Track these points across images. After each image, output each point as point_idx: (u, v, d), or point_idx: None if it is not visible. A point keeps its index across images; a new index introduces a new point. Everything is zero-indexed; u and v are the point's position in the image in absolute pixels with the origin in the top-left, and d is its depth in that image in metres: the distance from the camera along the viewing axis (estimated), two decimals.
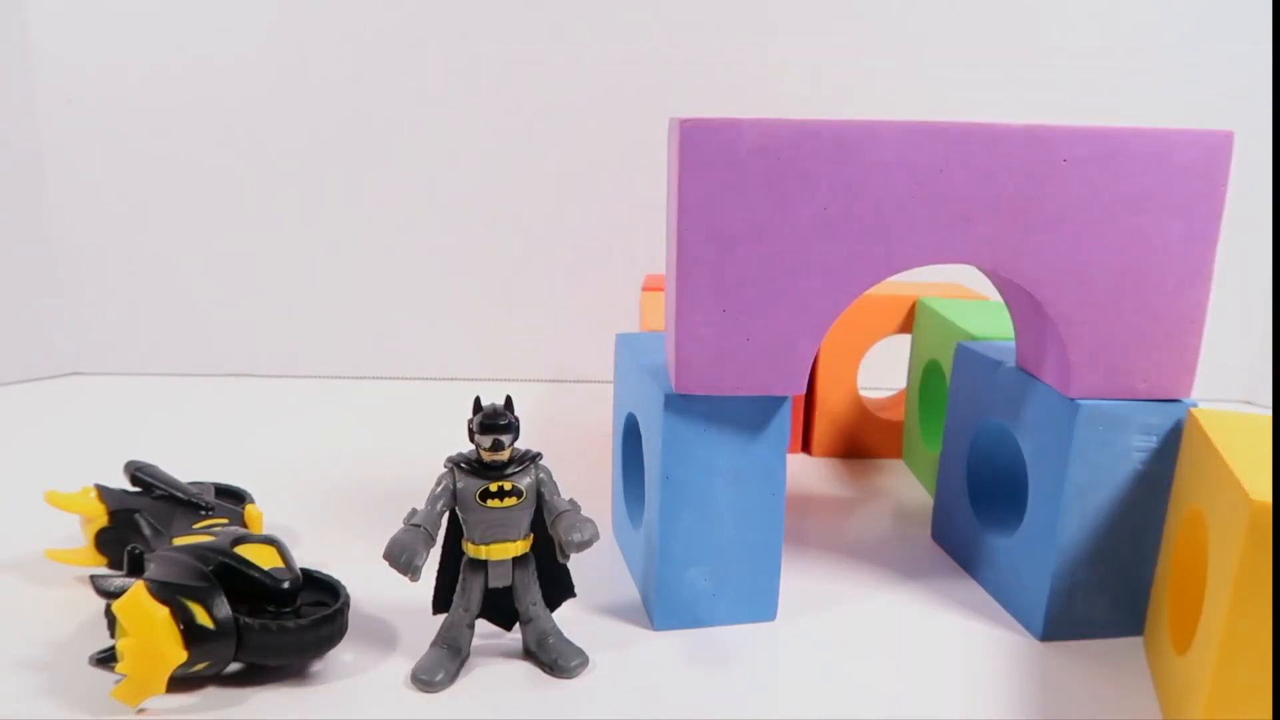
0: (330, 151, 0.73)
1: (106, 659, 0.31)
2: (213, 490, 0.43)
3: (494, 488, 0.32)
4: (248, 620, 0.32)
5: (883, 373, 0.64)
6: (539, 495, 0.33)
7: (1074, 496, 0.36)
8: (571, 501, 0.33)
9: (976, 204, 0.33)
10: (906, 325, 0.58)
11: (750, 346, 0.34)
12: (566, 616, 0.36)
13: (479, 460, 0.33)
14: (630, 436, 0.43)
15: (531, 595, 0.34)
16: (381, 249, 0.75)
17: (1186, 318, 0.35)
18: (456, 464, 0.33)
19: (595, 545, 0.33)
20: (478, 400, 0.33)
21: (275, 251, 0.75)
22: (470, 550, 0.33)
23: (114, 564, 0.40)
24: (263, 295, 0.76)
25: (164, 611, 0.30)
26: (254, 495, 0.44)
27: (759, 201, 0.33)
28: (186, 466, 0.46)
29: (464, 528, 0.33)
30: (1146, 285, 0.34)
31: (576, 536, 0.32)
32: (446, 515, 0.33)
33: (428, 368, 0.78)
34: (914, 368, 0.57)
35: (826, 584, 0.42)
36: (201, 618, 0.31)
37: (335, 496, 0.51)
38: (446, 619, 0.34)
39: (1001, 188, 0.33)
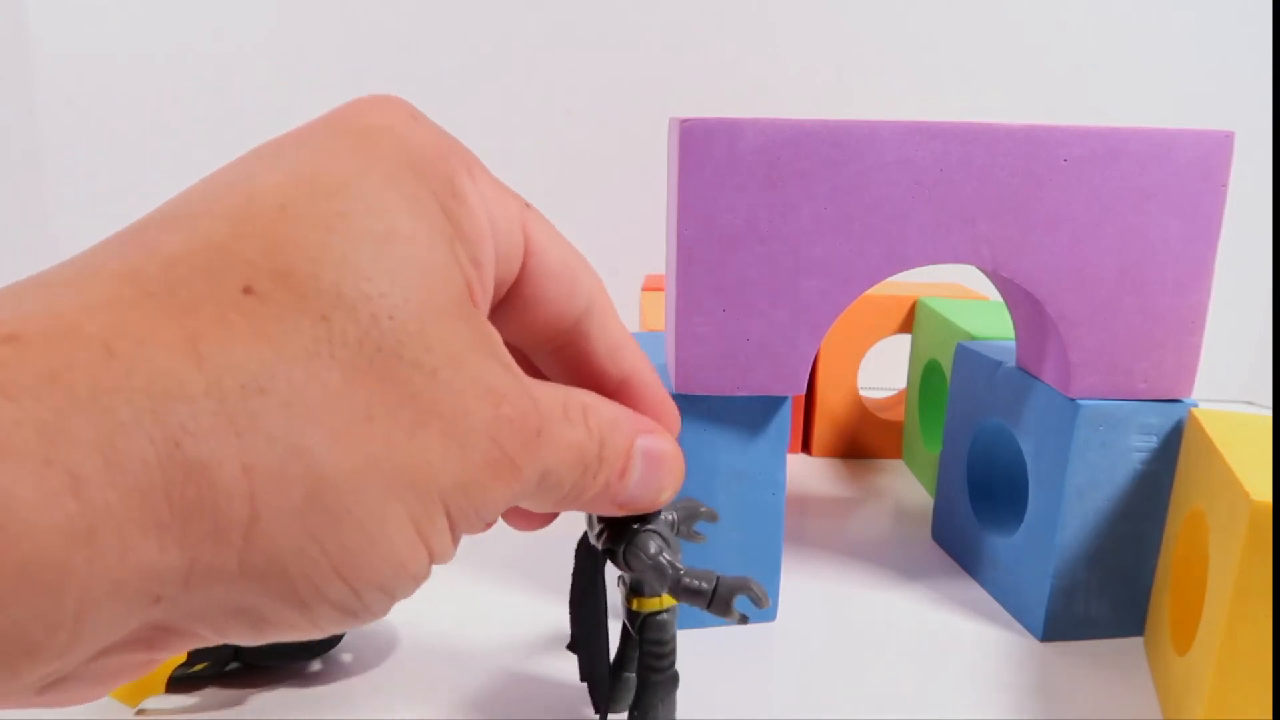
0: None
1: None
2: None
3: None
4: None
5: (883, 373, 0.64)
6: None
7: (1074, 496, 0.36)
8: None
9: (976, 204, 0.33)
10: (906, 325, 0.58)
11: (750, 346, 0.34)
12: (565, 617, 0.36)
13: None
14: None
15: None
16: None
17: (1187, 318, 0.35)
18: (644, 520, 0.26)
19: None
20: None
21: None
22: (665, 601, 0.29)
23: None
24: None
25: None
26: None
27: (759, 201, 0.33)
28: None
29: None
30: (1147, 285, 0.34)
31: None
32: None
33: None
34: (914, 368, 0.57)
35: (826, 584, 0.42)
36: None
37: None
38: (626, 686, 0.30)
39: (1001, 188, 0.33)
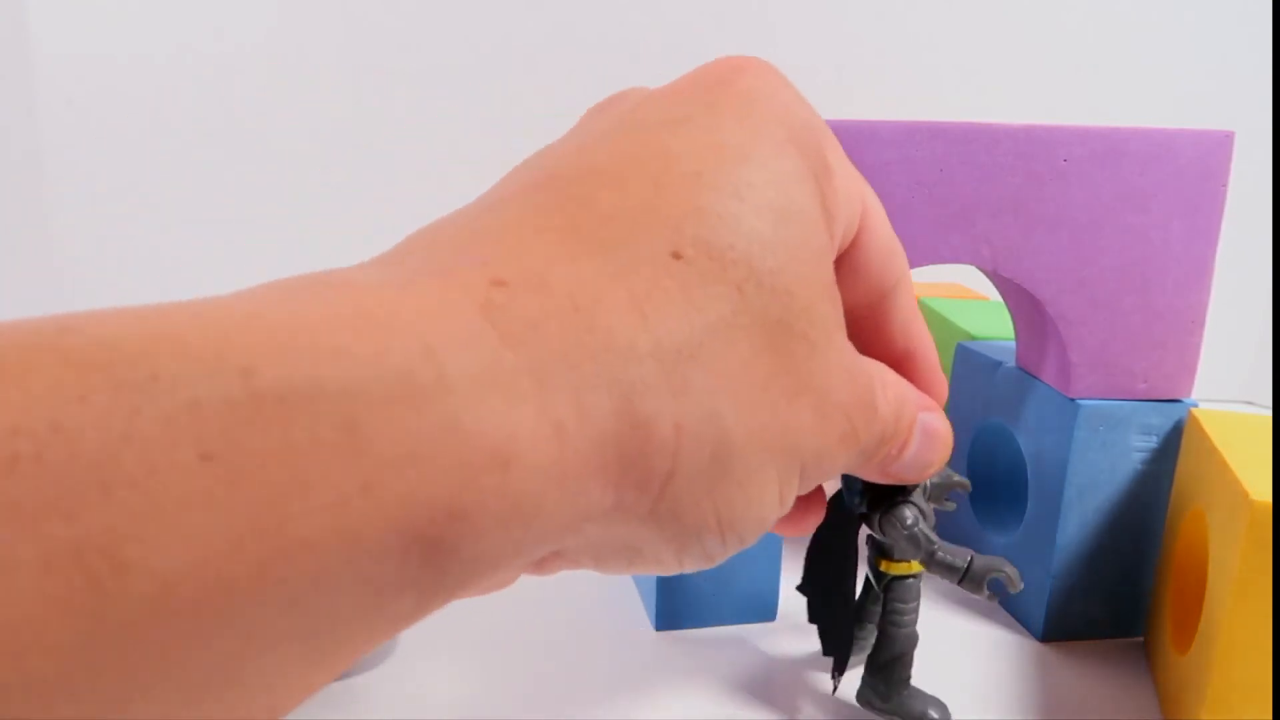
0: (335, 151, 0.73)
1: None
2: None
3: None
4: None
5: None
6: None
7: (1074, 496, 0.36)
8: None
9: (976, 204, 0.33)
10: None
11: None
12: (564, 617, 0.36)
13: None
14: None
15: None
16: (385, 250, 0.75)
17: (1187, 318, 0.35)
18: (904, 490, 0.28)
19: None
20: None
21: (280, 252, 0.75)
22: (913, 566, 0.30)
23: None
24: None
25: None
26: None
27: None
28: None
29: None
30: (1147, 285, 0.34)
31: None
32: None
33: None
34: None
35: None
36: None
37: None
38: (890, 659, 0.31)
39: (1001, 188, 0.33)
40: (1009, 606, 0.40)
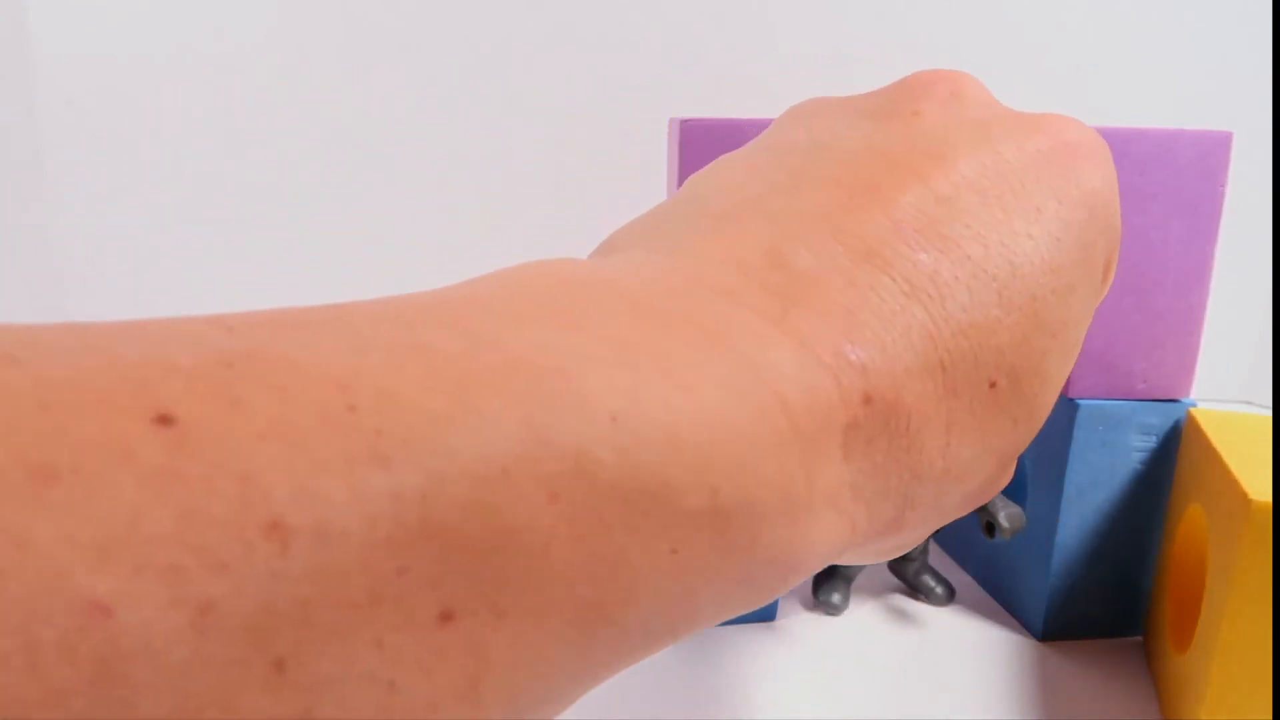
0: (336, 151, 0.73)
1: None
2: None
3: None
4: None
5: None
6: None
7: (1074, 496, 0.36)
8: None
9: None
10: None
11: None
12: None
13: None
14: None
15: None
16: (387, 251, 0.75)
17: (1186, 318, 0.35)
18: None
19: None
20: None
21: (281, 254, 0.75)
22: None
23: None
24: (269, 298, 0.76)
25: None
26: None
27: None
28: None
29: None
30: (1146, 285, 0.34)
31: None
32: None
33: None
34: None
35: None
36: None
37: None
38: None
39: None
40: (1009, 606, 0.40)
